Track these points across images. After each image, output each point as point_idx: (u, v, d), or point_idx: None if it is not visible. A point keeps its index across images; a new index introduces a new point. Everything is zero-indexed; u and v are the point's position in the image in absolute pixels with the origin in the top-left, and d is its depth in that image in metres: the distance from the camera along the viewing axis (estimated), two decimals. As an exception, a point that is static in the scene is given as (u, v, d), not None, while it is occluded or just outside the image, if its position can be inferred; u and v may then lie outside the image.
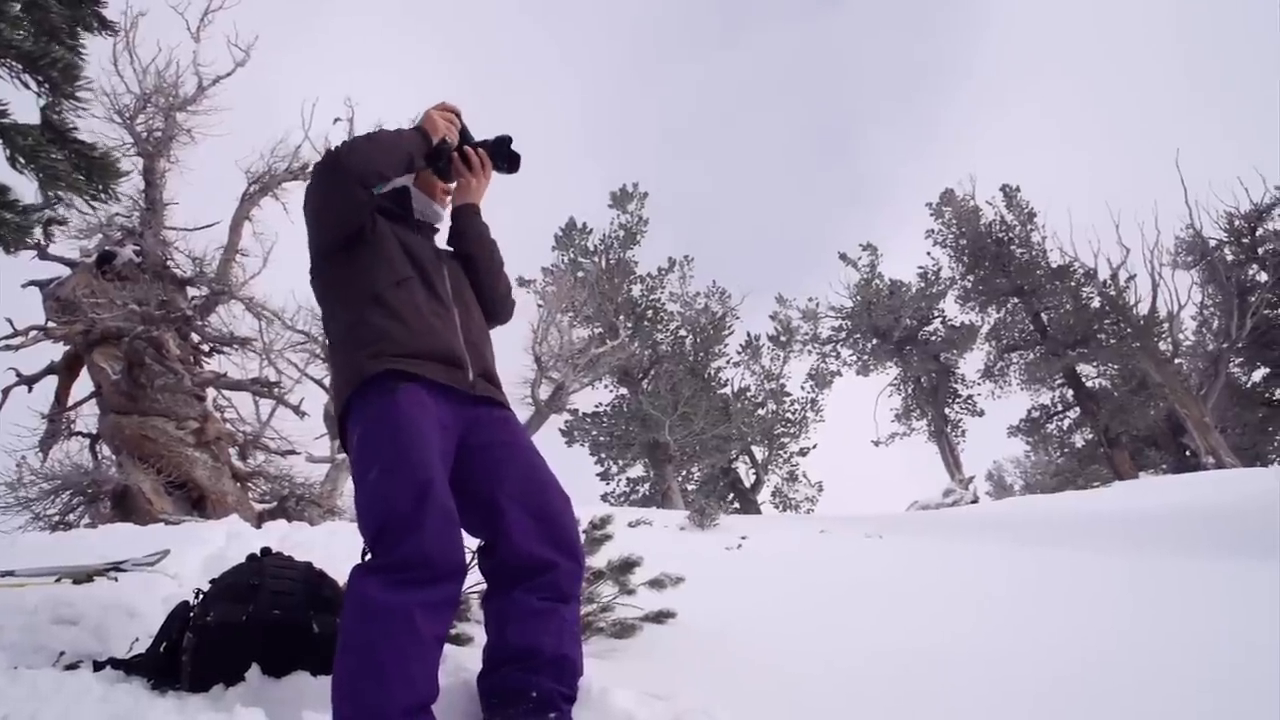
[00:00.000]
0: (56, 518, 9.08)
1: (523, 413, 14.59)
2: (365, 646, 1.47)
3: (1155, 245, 22.79)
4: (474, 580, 1.87)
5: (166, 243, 10.86)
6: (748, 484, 27.19)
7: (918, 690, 2.27)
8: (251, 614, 1.91)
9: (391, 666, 1.45)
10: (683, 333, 27.50)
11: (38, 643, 2.16)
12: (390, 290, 1.79)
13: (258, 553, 2.16)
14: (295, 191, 11.43)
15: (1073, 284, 24.91)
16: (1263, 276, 22.03)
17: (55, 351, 9.77)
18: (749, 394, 27.19)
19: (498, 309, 2.10)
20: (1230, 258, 22.44)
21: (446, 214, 2.14)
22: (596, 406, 26.21)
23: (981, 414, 27.77)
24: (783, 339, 28.20)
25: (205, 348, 10.79)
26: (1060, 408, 26.81)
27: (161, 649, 1.98)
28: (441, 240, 2.11)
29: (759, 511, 24.61)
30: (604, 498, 25.41)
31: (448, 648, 1.82)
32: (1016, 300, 26.31)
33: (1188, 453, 22.38)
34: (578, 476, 25.78)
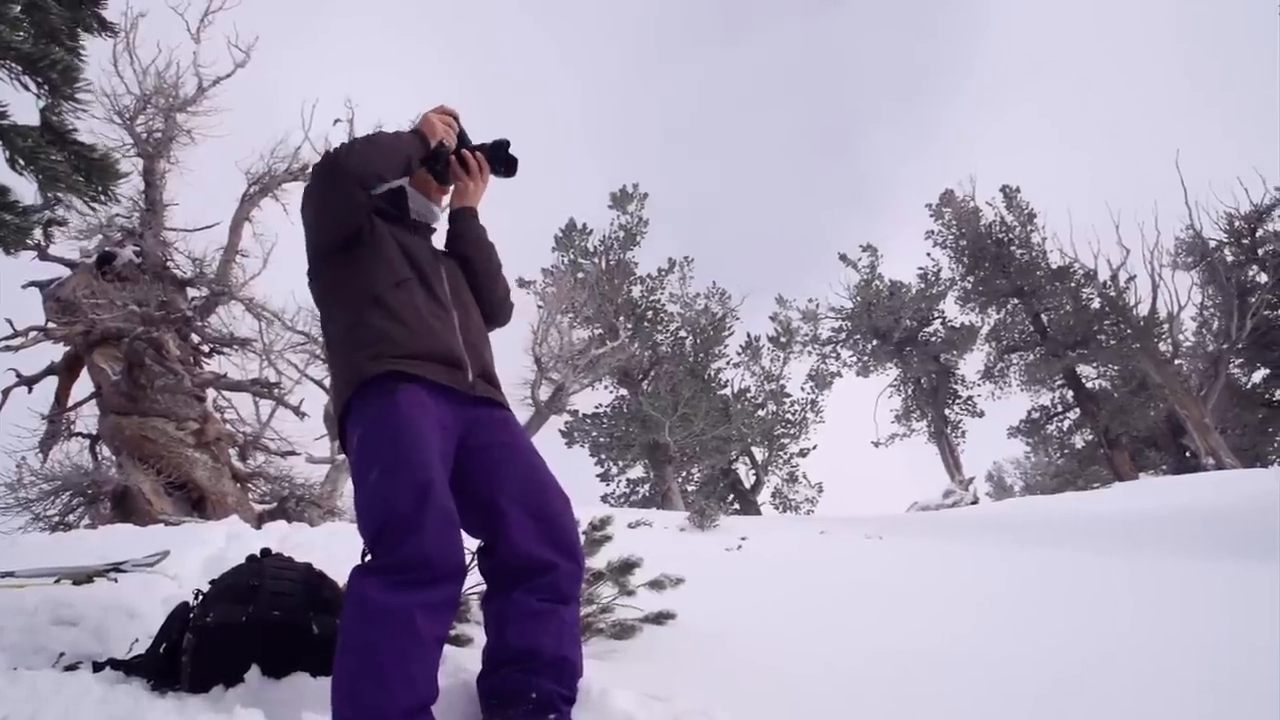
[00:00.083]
0: (56, 518, 9.08)
1: (522, 414, 14.60)
2: (365, 647, 1.47)
3: (1155, 246, 22.92)
4: (474, 581, 1.87)
5: (166, 243, 10.87)
6: (748, 485, 27.18)
7: (918, 691, 2.27)
8: (251, 615, 1.91)
9: (391, 667, 1.45)
10: (683, 334, 27.48)
11: (37, 644, 2.16)
12: (389, 291, 1.80)
13: (257, 554, 2.16)
14: (295, 192, 11.43)
15: (1073, 285, 24.93)
16: (1263, 277, 22.06)
17: (55, 352, 9.80)
18: (749, 395, 27.17)
19: (496, 311, 2.10)
20: (1230, 258, 22.47)
21: (443, 213, 2.14)
22: (596, 407, 26.24)
23: (981, 415, 27.79)
24: (783, 340, 28.17)
25: (205, 348, 10.79)
26: (1060, 409, 26.82)
27: (161, 650, 1.98)
28: (439, 240, 2.11)
29: (759, 512, 24.59)
30: (604, 499, 25.43)
31: (447, 649, 1.82)
32: (1016, 301, 26.32)
33: (1188, 454, 22.36)
34: (577, 477, 25.80)
